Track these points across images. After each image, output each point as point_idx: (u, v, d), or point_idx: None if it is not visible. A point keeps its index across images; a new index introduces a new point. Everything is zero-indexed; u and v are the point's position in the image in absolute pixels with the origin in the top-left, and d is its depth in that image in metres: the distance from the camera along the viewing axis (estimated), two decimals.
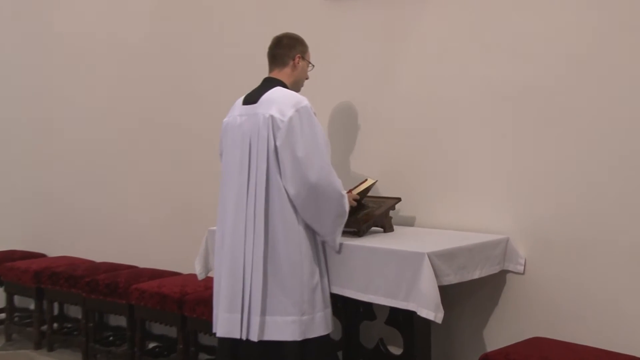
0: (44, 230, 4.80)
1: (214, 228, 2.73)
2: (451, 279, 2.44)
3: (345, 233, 2.63)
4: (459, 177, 2.96)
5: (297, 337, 2.45)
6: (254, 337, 2.44)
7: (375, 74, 3.21)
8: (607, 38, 2.53)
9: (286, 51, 2.68)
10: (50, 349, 4.18)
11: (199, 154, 3.90)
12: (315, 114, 2.53)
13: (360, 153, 3.26)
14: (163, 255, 4.04)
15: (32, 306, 4.37)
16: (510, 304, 2.77)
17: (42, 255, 4.67)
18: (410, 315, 2.43)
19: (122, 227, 4.34)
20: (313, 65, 2.80)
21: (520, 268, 2.72)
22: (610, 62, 2.52)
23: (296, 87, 2.71)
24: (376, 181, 2.91)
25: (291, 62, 2.68)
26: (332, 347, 2.90)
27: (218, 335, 2.54)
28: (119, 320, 4.16)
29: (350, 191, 2.77)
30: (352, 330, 3.04)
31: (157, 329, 3.95)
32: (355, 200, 2.75)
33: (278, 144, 2.45)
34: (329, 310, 2.58)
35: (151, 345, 3.94)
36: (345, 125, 3.29)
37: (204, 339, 3.60)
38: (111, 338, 4.10)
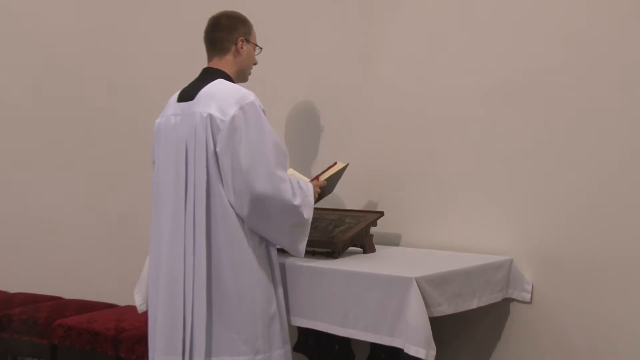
0: None
1: None
2: (444, 309, 2.43)
3: (317, 254, 2.61)
4: (453, 186, 2.96)
5: None
6: None
7: (352, 62, 3.20)
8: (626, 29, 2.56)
9: (226, 34, 2.63)
10: None
11: (140, 162, 3.82)
12: (264, 111, 2.49)
13: (330, 158, 3.22)
14: (94, 284, 4.01)
15: None
16: (515, 338, 2.78)
17: None
18: (396, 352, 2.42)
19: (42, 249, 4.26)
20: (261, 48, 2.75)
21: (527, 296, 2.73)
22: (630, 57, 2.53)
23: (242, 76, 2.69)
24: (347, 165, 2.89)
25: (233, 48, 2.63)
26: None
27: None
28: None
29: (316, 177, 2.74)
30: None
31: None
32: (321, 187, 2.72)
33: (218, 149, 2.42)
34: (289, 347, 2.56)
35: None
36: (310, 125, 3.28)
37: None
38: None
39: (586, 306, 2.61)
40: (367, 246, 2.85)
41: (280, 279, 2.56)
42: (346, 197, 3.31)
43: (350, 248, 2.82)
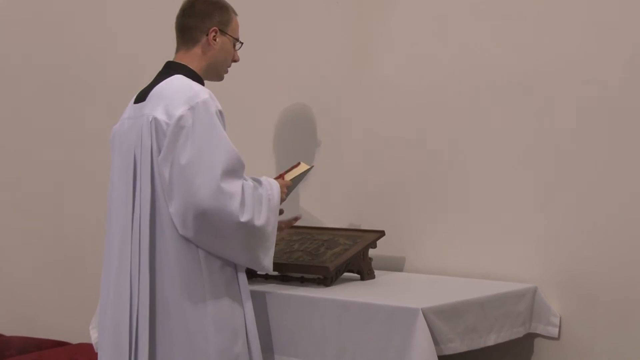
0: None
1: None
2: (456, 346, 2.43)
3: (306, 281, 2.60)
4: (466, 201, 2.96)
5: None
6: None
7: (345, 60, 3.20)
8: None
9: (197, 22, 2.57)
10: None
11: (96, 173, 3.81)
12: (220, 113, 2.44)
13: (325, 165, 3.25)
14: (42, 318, 4.01)
15: None
16: None
17: None
18: None
19: None
20: (241, 43, 2.70)
21: (554, 330, 2.72)
22: None
23: (212, 74, 2.64)
24: (312, 167, 2.89)
25: (204, 39, 2.58)
26: None
27: None
28: None
29: (280, 176, 2.73)
30: None
31: None
32: (287, 187, 2.70)
33: (159, 157, 2.40)
34: None
35: None
36: (300, 133, 3.27)
37: None
38: None
39: (623, 344, 2.60)
40: (365, 272, 2.84)
41: (254, 310, 2.51)
42: (340, 213, 3.29)
43: (345, 274, 2.81)
